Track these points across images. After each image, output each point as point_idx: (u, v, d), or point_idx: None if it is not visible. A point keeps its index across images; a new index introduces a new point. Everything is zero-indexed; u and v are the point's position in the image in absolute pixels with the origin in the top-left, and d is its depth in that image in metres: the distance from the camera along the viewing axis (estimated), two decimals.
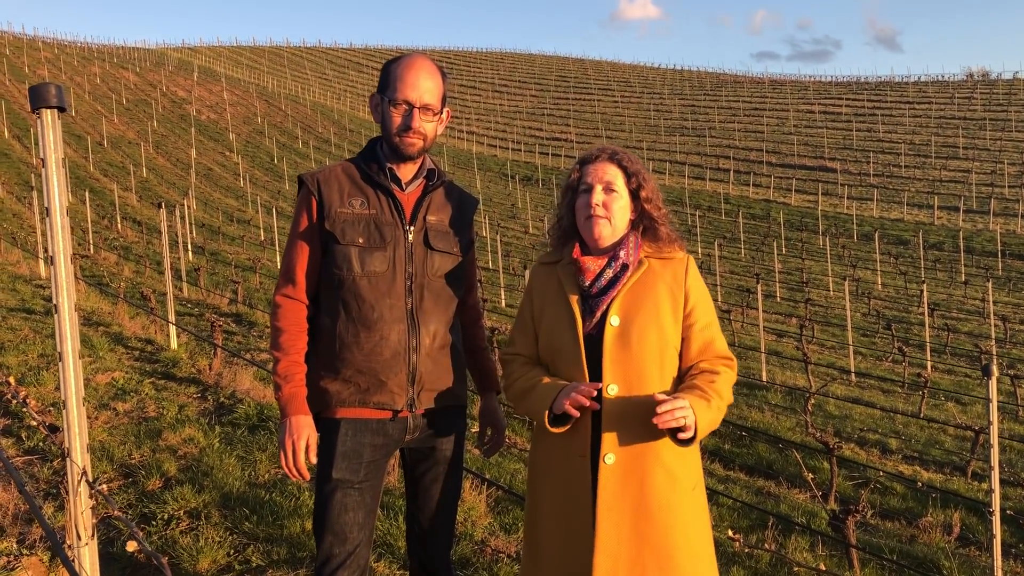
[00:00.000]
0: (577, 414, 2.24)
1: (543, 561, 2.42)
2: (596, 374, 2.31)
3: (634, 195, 2.46)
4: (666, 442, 2.30)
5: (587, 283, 2.39)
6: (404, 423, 2.50)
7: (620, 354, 2.30)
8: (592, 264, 2.40)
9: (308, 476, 2.43)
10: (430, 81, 2.50)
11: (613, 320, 2.33)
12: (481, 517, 4.89)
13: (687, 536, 2.31)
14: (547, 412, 2.29)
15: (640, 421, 2.26)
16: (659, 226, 2.47)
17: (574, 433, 2.32)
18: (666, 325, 2.34)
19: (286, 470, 2.42)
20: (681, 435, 2.22)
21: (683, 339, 2.38)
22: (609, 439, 2.29)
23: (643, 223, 2.48)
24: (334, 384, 2.45)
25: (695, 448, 2.41)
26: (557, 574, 2.37)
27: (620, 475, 2.28)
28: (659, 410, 2.14)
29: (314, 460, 2.43)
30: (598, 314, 2.36)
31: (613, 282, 2.38)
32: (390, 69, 2.53)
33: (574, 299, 2.39)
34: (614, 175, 2.43)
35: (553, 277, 2.49)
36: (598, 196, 2.40)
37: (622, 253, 2.40)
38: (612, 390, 2.29)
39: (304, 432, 2.40)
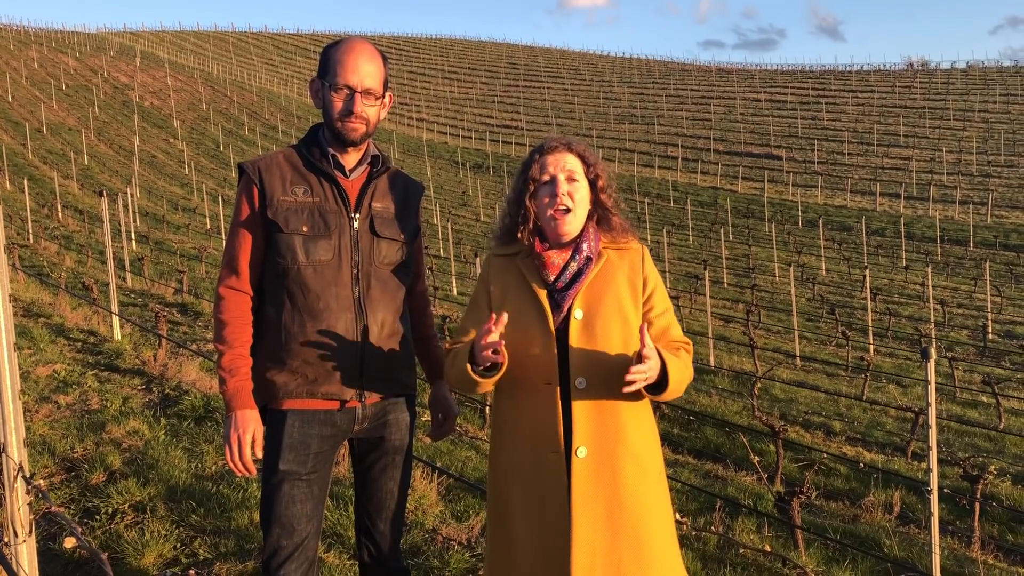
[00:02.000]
0: (497, 358, 2.19)
1: (518, 560, 2.37)
2: (565, 367, 2.31)
3: (592, 185, 2.44)
4: (635, 431, 2.32)
5: (552, 277, 2.37)
6: (352, 413, 2.48)
7: (586, 347, 2.30)
8: (556, 258, 2.37)
9: (254, 471, 2.40)
10: (371, 65, 2.46)
11: (577, 314, 2.32)
12: (432, 505, 4.89)
13: (658, 522, 2.33)
14: (468, 365, 2.27)
15: (609, 412, 2.29)
16: (612, 216, 2.46)
17: (545, 431, 2.30)
18: (629, 315, 2.34)
19: (231, 465, 2.38)
20: (644, 386, 2.20)
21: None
22: (580, 433, 2.28)
23: (597, 213, 2.46)
24: (281, 375, 2.42)
25: (657, 436, 2.44)
26: (534, 572, 2.35)
27: (593, 467, 2.28)
28: (628, 378, 2.13)
29: (260, 455, 2.40)
30: (565, 308, 2.34)
31: (578, 276, 2.36)
32: (329, 54, 2.49)
33: (542, 293, 2.35)
34: (575, 164, 2.40)
35: (513, 269, 2.44)
36: (563, 187, 2.36)
37: (585, 246, 2.38)
38: (580, 383, 2.28)
39: (250, 426, 2.37)
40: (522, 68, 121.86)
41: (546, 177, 2.39)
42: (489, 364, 2.22)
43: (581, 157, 2.43)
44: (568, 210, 2.36)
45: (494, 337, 2.17)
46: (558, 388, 2.29)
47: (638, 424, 2.34)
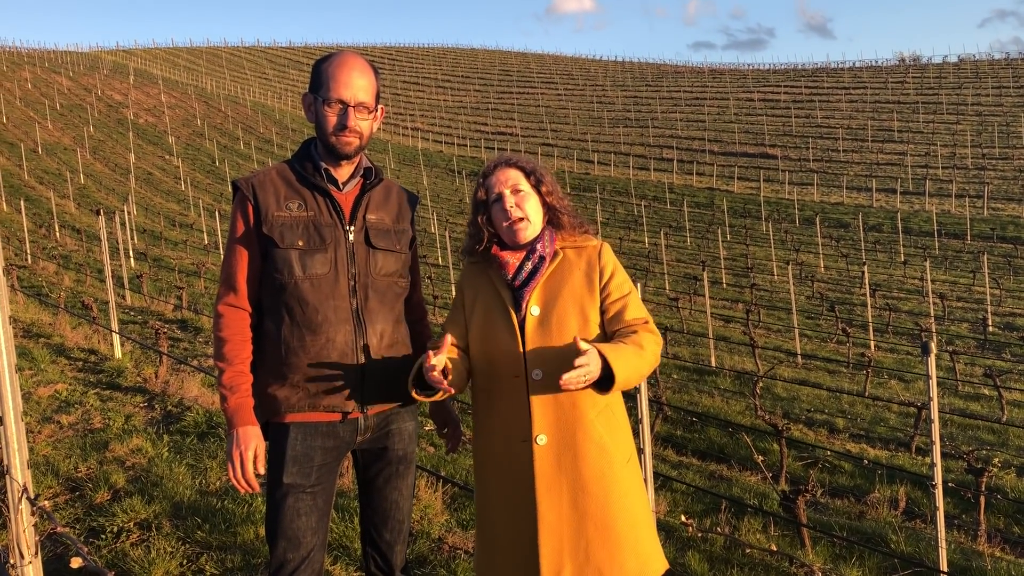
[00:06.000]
0: (437, 380, 2.28)
1: (497, 548, 2.50)
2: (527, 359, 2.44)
3: (537, 191, 2.58)
4: (596, 418, 2.43)
5: (509, 276, 2.52)
6: (355, 424, 2.50)
7: (541, 341, 2.43)
8: (511, 258, 2.53)
9: (257, 487, 2.41)
10: (363, 79, 2.48)
11: (533, 310, 2.47)
12: (437, 515, 4.89)
13: (625, 506, 2.43)
14: (412, 387, 2.40)
15: (567, 401, 2.41)
16: (562, 215, 2.60)
17: (514, 421, 2.43)
18: (586, 308, 2.47)
19: (234, 482, 2.39)
20: (590, 387, 2.28)
21: (601, 313, 2.51)
22: (539, 421, 2.41)
23: (549, 215, 2.61)
24: (282, 390, 2.43)
25: (625, 423, 2.55)
26: (510, 558, 2.46)
27: (554, 454, 2.40)
28: (562, 381, 2.20)
29: (263, 471, 2.41)
30: (523, 305, 2.48)
31: (533, 274, 2.51)
32: (322, 68, 2.50)
33: (505, 292, 2.51)
34: (516, 177, 2.57)
35: (484, 272, 2.60)
36: (510, 200, 2.52)
37: (538, 246, 2.54)
38: (536, 375, 2.41)
39: (252, 443, 2.38)
40: (515, 75, 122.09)
41: (493, 196, 2.55)
42: (433, 386, 2.33)
43: (521, 169, 2.59)
44: (522, 219, 2.52)
45: (435, 361, 2.27)
46: (525, 380, 2.42)
47: (600, 411, 2.45)
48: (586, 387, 2.27)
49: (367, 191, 2.58)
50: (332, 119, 2.47)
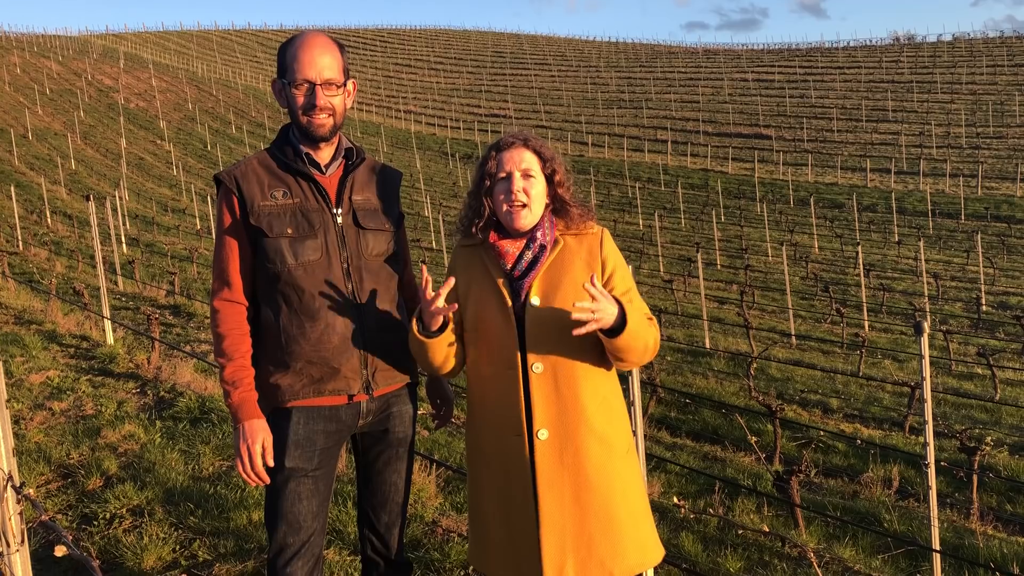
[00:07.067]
0: (440, 311, 2.31)
1: (490, 542, 2.46)
2: (525, 352, 2.37)
3: (548, 180, 2.49)
4: (597, 411, 2.38)
5: (509, 266, 2.44)
6: (357, 408, 2.50)
7: (542, 333, 2.36)
8: (511, 247, 2.45)
9: (268, 479, 2.41)
10: (327, 56, 2.46)
11: (533, 300, 2.39)
12: (431, 498, 4.90)
13: (626, 498, 2.40)
14: (416, 324, 2.39)
15: (568, 394, 2.35)
16: (571, 207, 2.51)
17: (507, 414, 2.38)
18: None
19: (244, 476, 2.39)
20: (596, 327, 2.24)
21: None
22: (540, 415, 2.35)
23: (555, 205, 2.52)
24: (286, 378, 2.43)
25: (623, 413, 2.50)
26: (505, 554, 2.42)
27: (556, 449, 2.35)
28: (575, 315, 2.18)
29: (272, 463, 2.41)
30: (523, 295, 2.40)
31: (533, 263, 2.43)
32: (285, 52, 2.48)
33: (500, 281, 2.43)
34: (531, 161, 2.46)
35: (477, 258, 2.51)
36: (518, 183, 2.43)
37: (539, 234, 2.45)
38: (537, 368, 2.35)
39: (258, 436, 2.38)
40: (508, 56, 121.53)
41: (502, 174, 2.46)
42: (435, 326, 2.35)
43: (537, 153, 2.48)
44: (524, 205, 2.42)
45: (435, 298, 2.29)
46: (520, 373, 2.36)
47: (600, 403, 2.40)
48: (595, 327, 2.22)
49: (350, 172, 2.57)
50: (301, 99, 2.45)
